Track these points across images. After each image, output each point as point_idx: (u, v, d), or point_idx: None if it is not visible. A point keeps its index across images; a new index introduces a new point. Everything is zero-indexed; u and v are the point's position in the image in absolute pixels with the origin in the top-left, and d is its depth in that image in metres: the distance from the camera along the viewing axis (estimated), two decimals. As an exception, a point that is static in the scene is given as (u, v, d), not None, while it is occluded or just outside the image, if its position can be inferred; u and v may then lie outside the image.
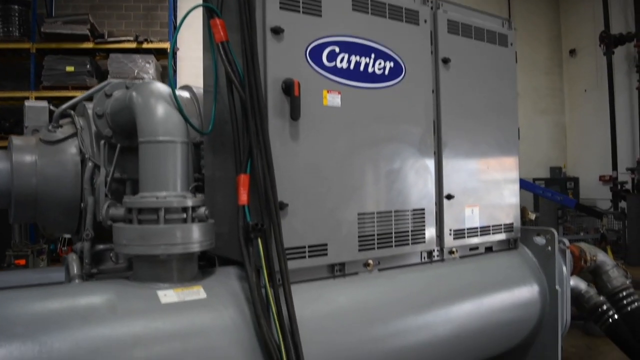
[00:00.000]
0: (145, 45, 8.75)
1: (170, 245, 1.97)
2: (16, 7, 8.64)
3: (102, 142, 2.37)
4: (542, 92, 12.51)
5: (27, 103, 2.82)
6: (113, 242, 2.07)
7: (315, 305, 2.24)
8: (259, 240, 2.06)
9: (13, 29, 8.66)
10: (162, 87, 2.14)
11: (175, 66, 9.36)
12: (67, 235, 8.55)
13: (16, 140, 2.55)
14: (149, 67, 8.66)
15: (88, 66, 8.62)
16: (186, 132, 2.11)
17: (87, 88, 8.48)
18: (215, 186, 2.43)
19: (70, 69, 8.58)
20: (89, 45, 8.65)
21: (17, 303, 1.80)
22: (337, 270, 2.38)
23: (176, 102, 2.10)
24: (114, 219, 2.12)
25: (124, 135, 2.44)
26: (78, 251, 2.47)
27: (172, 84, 2.21)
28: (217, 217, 2.20)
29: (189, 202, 2.03)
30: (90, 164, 2.44)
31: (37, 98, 8.51)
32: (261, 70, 2.14)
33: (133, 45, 8.74)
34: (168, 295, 1.94)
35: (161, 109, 2.07)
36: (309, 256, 2.27)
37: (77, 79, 8.54)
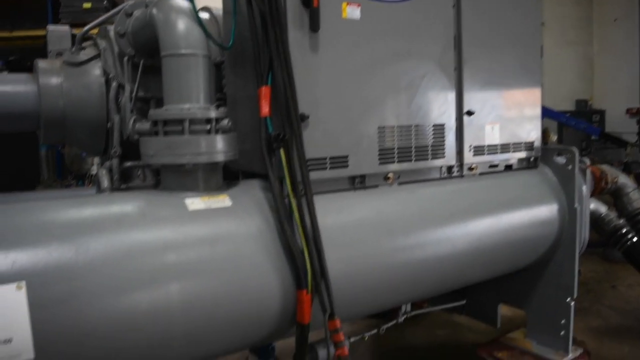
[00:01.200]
0: (161, -20, 8.63)
1: (196, 154, 2.04)
2: (30, -58, 8.56)
3: (126, 59, 2.40)
4: (569, 23, 12.14)
5: (49, 27, 2.86)
6: (141, 155, 2.15)
7: (336, 215, 2.32)
8: (281, 150, 2.11)
9: (28, -34, 8.61)
10: (182, 3, 2.16)
11: None
12: (94, 172, 8.83)
13: (41, 63, 2.61)
14: (165, 2, 8.58)
15: (105, 2, 8.57)
16: (207, 46, 2.14)
17: (105, 25, 8.48)
18: (237, 105, 2.48)
19: (87, 5, 8.54)
20: (104, -20, 8.57)
21: (53, 210, 1.90)
22: (358, 183, 2.45)
23: (196, 17, 2.12)
24: (140, 133, 2.19)
25: (146, 53, 2.48)
26: (107, 169, 2.57)
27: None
28: (240, 134, 2.26)
29: (213, 114, 2.09)
30: (114, 84, 2.50)
31: (56, 36, 8.57)
32: (280, -19, 2.14)
33: (149, -21, 8.64)
34: (195, 203, 2.03)
35: (182, 23, 2.10)
36: (330, 168, 2.33)
37: (94, 15, 8.50)
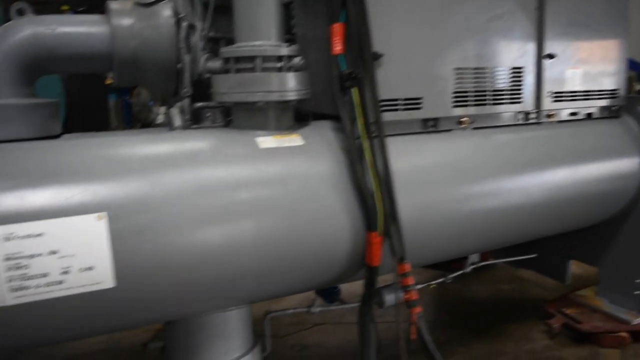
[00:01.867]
0: None
1: (267, 92, 2.01)
2: None
3: None
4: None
5: (121, -32, 2.87)
6: (212, 93, 2.15)
7: (408, 158, 2.26)
8: (354, 89, 2.06)
9: None
10: None
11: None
12: (160, 121, 9.03)
13: (113, 4, 2.62)
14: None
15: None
16: (279, -19, 2.09)
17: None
18: (308, 45, 2.42)
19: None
20: None
21: (130, 144, 1.93)
22: (431, 126, 2.37)
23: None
24: (212, 71, 2.18)
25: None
26: (179, 109, 2.59)
27: None
28: (310, 75, 2.21)
29: (284, 51, 2.05)
30: (185, 24, 2.49)
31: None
32: None
33: None
34: (267, 141, 2.02)
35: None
36: (403, 109, 2.26)
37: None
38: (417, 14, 2.25)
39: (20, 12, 2.73)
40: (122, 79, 2.66)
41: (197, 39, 2.43)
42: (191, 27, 2.50)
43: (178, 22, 2.58)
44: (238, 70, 2.05)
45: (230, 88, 2.04)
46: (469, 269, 3.04)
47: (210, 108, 2.54)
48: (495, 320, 3.49)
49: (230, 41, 2.41)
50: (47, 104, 2.40)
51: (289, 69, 2.07)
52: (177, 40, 2.58)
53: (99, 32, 2.58)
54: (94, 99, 7.75)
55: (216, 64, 2.17)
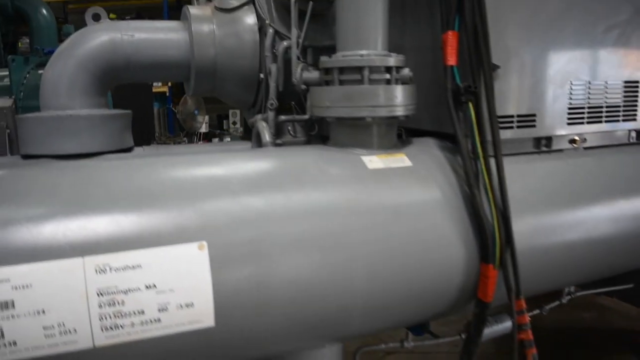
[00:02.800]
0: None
1: (374, 107, 1.79)
2: None
3: (293, 1, 2.15)
4: None
5: (197, -28, 2.70)
6: (309, 106, 1.94)
7: (520, 180, 2.01)
8: (470, 104, 1.83)
9: None
10: None
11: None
12: (203, 130, 8.93)
13: (193, 9, 2.45)
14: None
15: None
16: (387, -17, 1.88)
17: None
18: (405, 54, 2.20)
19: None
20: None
21: (224, 163, 1.73)
22: (544, 145, 2.13)
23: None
24: (308, 83, 1.97)
25: (309, -2, 2.25)
26: (264, 121, 2.40)
27: None
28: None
29: (392, 61, 1.83)
30: (271, 31, 2.29)
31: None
32: None
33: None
34: (373, 161, 1.80)
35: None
36: (517, 127, 2.02)
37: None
38: (535, 20, 2.01)
39: (96, 18, 2.57)
40: (199, 88, 2.47)
41: (293, 42, 2.22)
42: (277, 35, 2.30)
43: (261, 29, 2.39)
44: (342, 82, 1.84)
45: (333, 102, 1.82)
46: (565, 299, 2.77)
47: (292, 121, 2.35)
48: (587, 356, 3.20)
49: (318, 50, 2.21)
50: (121, 115, 2.24)
51: (397, 81, 1.85)
52: (261, 49, 2.39)
53: (177, 39, 2.40)
54: (140, 106, 7.66)
55: (313, 74, 1.96)
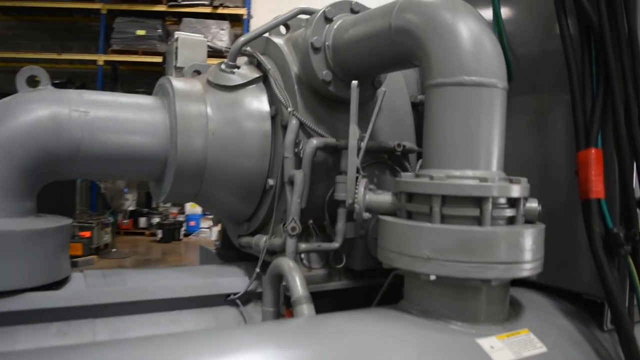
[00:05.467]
0: (220, 11, 7.90)
1: (492, 264, 1.09)
2: (88, -35, 7.84)
3: (355, 85, 1.42)
4: None
5: (179, 34, 1.97)
6: (380, 249, 1.21)
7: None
8: (629, 258, 1.18)
9: (83, -12, 7.86)
10: (464, 5, 1.25)
11: (248, 36, 8.41)
12: (130, 207, 7.82)
13: (177, 82, 1.69)
14: (222, 34, 7.83)
15: (159, 30, 7.81)
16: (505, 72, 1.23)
17: (158, 54, 7.70)
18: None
19: (141, 32, 7.78)
20: (161, 8, 7.83)
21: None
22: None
23: (499, 27, 1.22)
24: (375, 210, 1.25)
25: (351, 80, 1.57)
26: (261, 248, 1.63)
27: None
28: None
29: (517, 191, 1.15)
30: (294, 122, 1.56)
31: (105, 62, 7.77)
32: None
33: (207, 9, 7.91)
34: (496, 347, 1.07)
35: (473, 35, 1.19)
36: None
37: (148, 43, 7.74)
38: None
39: (32, 83, 1.74)
40: (176, 192, 1.68)
41: (313, 147, 1.51)
42: (303, 128, 1.58)
43: (276, 118, 1.67)
44: (444, 218, 1.13)
45: (440, 252, 1.08)
46: None
47: (320, 252, 1.60)
48: None
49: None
50: (56, 230, 1.45)
51: (523, 221, 1.17)
52: (273, 145, 1.66)
53: (153, 122, 1.63)
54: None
55: (384, 199, 1.24)
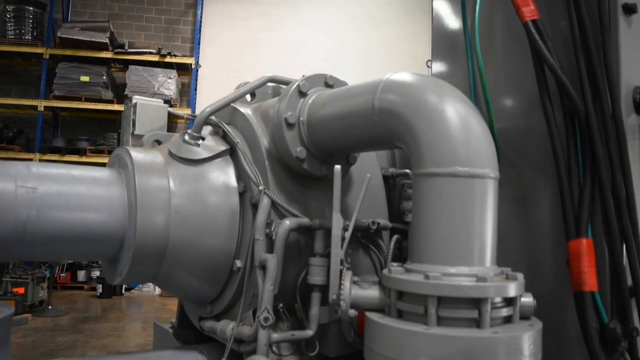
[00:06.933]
0: (168, 59, 7.75)
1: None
2: (31, 9, 7.54)
3: (336, 171, 1.32)
4: None
5: (137, 99, 1.83)
6: (370, 349, 1.10)
7: None
8: (627, 354, 1.12)
9: (25, 32, 7.54)
10: (451, 89, 1.20)
11: (195, 83, 8.30)
12: (68, 260, 7.23)
13: (136, 153, 1.55)
14: (170, 83, 7.66)
15: (104, 77, 7.56)
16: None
17: (102, 101, 7.43)
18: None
19: (85, 78, 7.50)
20: (107, 54, 7.60)
21: None
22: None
23: (489, 111, 1.17)
24: (361, 307, 1.15)
25: (326, 158, 1.48)
26: (228, 336, 1.48)
27: (485, 84, 1.31)
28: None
29: (513, 289, 1.07)
30: (265, 201, 1.45)
31: (46, 107, 7.41)
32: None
33: (155, 58, 7.73)
34: None
35: (465, 123, 1.13)
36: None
37: (92, 90, 7.46)
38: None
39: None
40: (134, 272, 1.51)
41: (286, 228, 1.41)
42: (275, 208, 1.47)
43: (245, 195, 1.55)
44: (440, 320, 1.03)
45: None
46: None
47: (294, 341, 1.47)
48: None
49: (328, 233, 1.42)
50: None
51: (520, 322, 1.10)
52: (241, 224, 1.54)
53: (108, 197, 1.48)
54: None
55: (370, 294, 1.14)
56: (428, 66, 1.81)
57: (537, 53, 1.25)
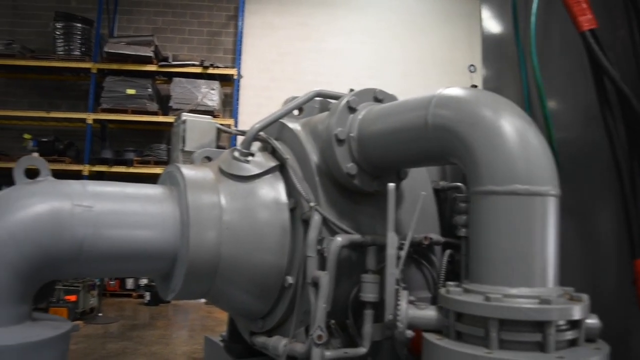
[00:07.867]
0: (210, 71, 7.86)
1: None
2: (79, 25, 7.81)
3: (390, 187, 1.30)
4: None
5: (186, 116, 1.85)
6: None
7: None
8: None
9: (74, 48, 7.80)
10: (503, 100, 1.17)
11: (237, 94, 8.40)
12: (122, 277, 7.48)
13: (187, 170, 1.57)
14: (213, 94, 7.77)
15: (149, 89, 7.73)
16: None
17: (148, 113, 7.60)
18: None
19: (131, 91, 7.68)
20: (152, 67, 7.75)
21: None
22: None
23: (547, 126, 1.13)
24: (418, 327, 1.12)
25: (376, 173, 1.46)
26: (280, 353, 1.47)
27: (544, 99, 1.27)
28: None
29: (578, 312, 1.03)
30: (317, 218, 1.44)
31: (94, 120, 7.64)
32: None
33: (198, 70, 7.84)
34: None
35: (523, 138, 1.09)
36: None
37: (138, 102, 7.63)
38: None
39: (31, 174, 1.59)
40: (187, 289, 1.53)
41: (338, 245, 1.39)
42: (327, 225, 1.46)
43: (296, 211, 1.54)
44: (502, 343, 1.00)
45: None
46: None
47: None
48: None
49: (382, 249, 1.40)
50: (54, 340, 1.29)
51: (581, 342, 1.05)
52: (293, 240, 1.53)
53: (161, 214, 1.50)
54: None
55: (428, 314, 1.11)
56: (470, 71, 1.77)
57: (597, 64, 1.20)
